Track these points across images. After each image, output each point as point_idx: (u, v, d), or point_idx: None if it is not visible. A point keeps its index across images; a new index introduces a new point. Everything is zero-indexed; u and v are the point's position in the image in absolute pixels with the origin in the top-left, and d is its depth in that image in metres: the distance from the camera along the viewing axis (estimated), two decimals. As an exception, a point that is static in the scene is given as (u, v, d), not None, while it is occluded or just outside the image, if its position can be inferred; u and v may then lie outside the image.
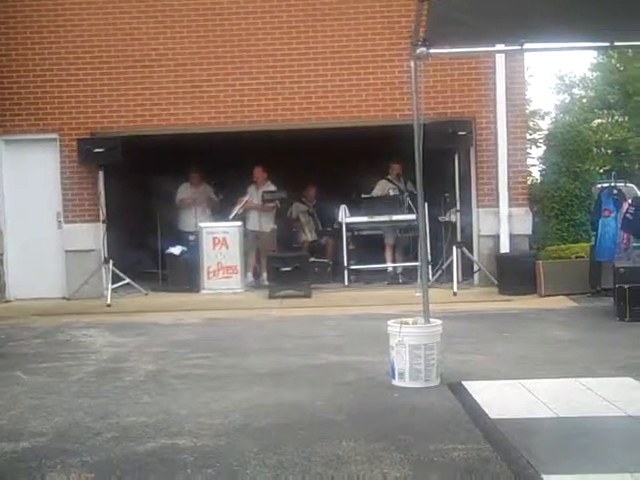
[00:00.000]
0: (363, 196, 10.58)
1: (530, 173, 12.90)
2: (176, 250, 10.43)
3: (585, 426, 4.03)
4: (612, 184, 8.79)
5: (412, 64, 5.44)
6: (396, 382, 4.96)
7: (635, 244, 8.29)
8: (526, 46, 5.93)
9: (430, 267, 9.78)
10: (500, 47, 6.95)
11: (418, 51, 5.31)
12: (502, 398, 4.62)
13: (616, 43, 5.99)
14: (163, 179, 10.77)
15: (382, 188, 10.68)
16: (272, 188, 10.75)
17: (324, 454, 3.67)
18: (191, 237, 10.57)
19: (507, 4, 4.90)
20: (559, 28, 5.23)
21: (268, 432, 4.07)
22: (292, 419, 4.29)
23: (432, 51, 5.37)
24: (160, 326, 7.88)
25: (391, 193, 10.47)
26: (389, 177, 10.79)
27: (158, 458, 3.72)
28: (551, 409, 4.31)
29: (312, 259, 10.36)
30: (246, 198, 10.68)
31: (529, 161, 14.01)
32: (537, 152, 18.36)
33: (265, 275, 10.30)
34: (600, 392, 4.62)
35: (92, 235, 10.08)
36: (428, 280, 9.45)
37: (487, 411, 4.32)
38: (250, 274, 10.67)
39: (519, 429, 4.00)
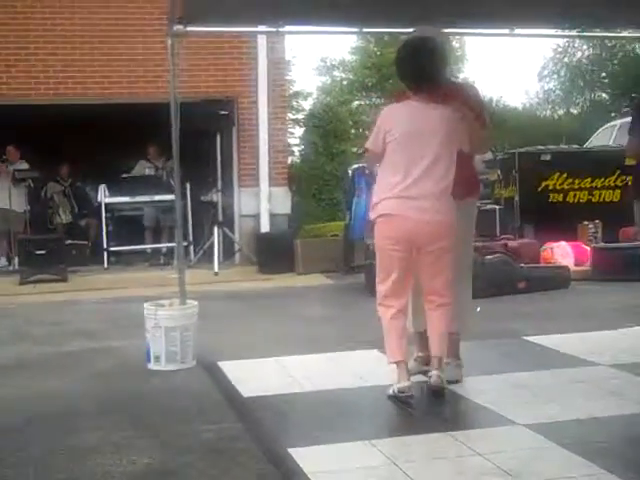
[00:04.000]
0: (123, 176, 10.33)
1: (292, 153, 13.25)
2: None
3: (333, 399, 4.19)
4: (363, 165, 9.20)
5: (169, 42, 5.34)
6: (152, 366, 4.89)
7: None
8: (285, 28, 6.07)
9: (192, 248, 9.79)
10: (261, 28, 7.01)
11: (175, 28, 5.22)
12: (257, 376, 4.70)
13: (365, 29, 6.29)
14: None
15: (140, 168, 10.54)
16: (25, 166, 10.20)
17: (71, 447, 3.53)
18: None
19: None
20: (316, 12, 5.37)
21: (10, 429, 3.83)
22: (37, 413, 4.07)
23: (189, 29, 5.31)
24: None
25: (147, 172, 10.33)
26: (148, 157, 10.66)
27: None
28: (303, 384, 4.46)
29: (69, 241, 9.99)
30: None
31: (294, 141, 14.43)
32: (301, 132, 18.81)
33: (17, 259, 9.76)
34: (349, 365, 4.86)
35: None
36: (190, 261, 9.55)
37: (241, 390, 4.37)
38: (3, 258, 10.09)
39: (271, 406, 4.09)
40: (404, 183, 3.92)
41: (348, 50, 27.66)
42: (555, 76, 27.91)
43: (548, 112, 28.09)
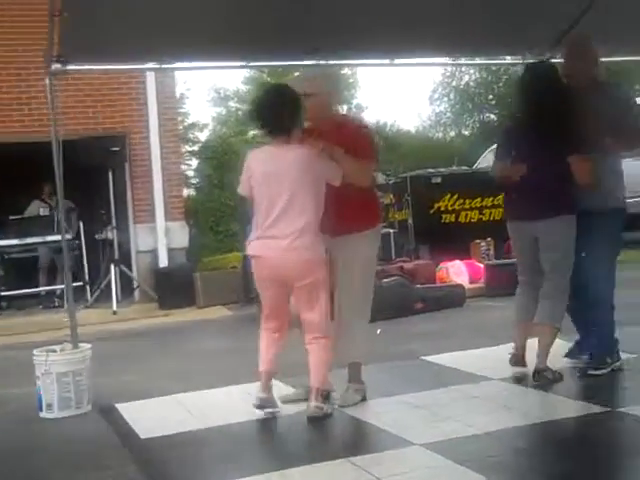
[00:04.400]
0: (11, 217, 10.03)
1: (189, 185, 13.17)
2: None
3: (234, 433, 4.16)
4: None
5: (47, 81, 5.25)
6: (44, 414, 4.72)
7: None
8: (172, 64, 6.06)
9: (89, 287, 9.58)
10: (148, 65, 6.96)
11: (53, 67, 5.14)
12: (154, 416, 4.61)
13: (251, 63, 6.34)
14: None
15: (34, 208, 10.30)
16: None
17: (-43, 505, 3.38)
18: None
19: (146, 23, 4.93)
20: (198, 48, 5.39)
21: None
22: None
23: (69, 68, 5.23)
24: None
25: (41, 213, 10.09)
26: (43, 197, 10.43)
27: None
28: (202, 420, 4.39)
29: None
30: None
31: (191, 173, 14.33)
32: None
33: None
34: (249, 397, 4.81)
35: None
36: (87, 301, 9.33)
37: (138, 432, 4.27)
38: None
39: (167, 446, 4.00)
40: (265, 224, 4.12)
41: (241, 80, 27.84)
42: (445, 99, 28.79)
43: (440, 134, 28.93)
